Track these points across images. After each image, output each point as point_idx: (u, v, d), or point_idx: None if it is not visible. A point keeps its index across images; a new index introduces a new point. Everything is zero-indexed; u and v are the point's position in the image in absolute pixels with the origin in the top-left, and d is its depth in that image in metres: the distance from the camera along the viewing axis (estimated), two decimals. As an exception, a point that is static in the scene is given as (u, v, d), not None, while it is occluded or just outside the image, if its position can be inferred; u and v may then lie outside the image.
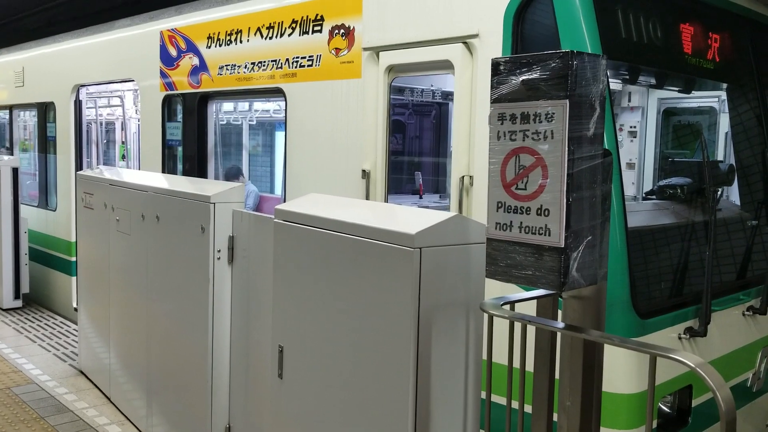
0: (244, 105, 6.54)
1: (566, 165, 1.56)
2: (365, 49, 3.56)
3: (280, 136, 8.06)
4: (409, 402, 1.97)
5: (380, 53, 3.50)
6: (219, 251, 3.18)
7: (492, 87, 1.72)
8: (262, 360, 2.97)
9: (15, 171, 6.46)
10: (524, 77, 1.61)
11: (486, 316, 1.91)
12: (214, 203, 3.16)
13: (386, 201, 3.53)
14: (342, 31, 3.73)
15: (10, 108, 7.85)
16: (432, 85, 4.76)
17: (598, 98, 1.64)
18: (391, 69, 3.46)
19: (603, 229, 1.70)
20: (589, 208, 1.63)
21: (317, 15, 3.86)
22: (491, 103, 1.72)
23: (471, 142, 3.08)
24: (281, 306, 2.58)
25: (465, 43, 3.09)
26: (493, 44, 2.96)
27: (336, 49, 3.76)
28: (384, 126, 3.51)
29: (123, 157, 8.31)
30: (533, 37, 2.94)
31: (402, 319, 1.97)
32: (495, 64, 1.71)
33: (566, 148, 1.56)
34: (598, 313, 1.84)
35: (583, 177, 1.60)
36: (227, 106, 6.41)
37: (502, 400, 2.01)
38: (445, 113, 5.37)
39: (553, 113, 1.58)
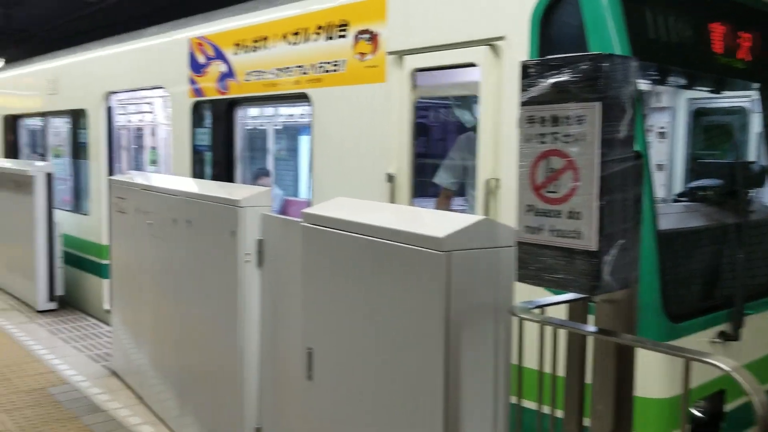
0: (269, 110, 6.60)
1: (598, 168, 1.55)
2: (390, 53, 3.58)
3: (304, 140, 8.13)
4: (438, 406, 1.98)
5: (405, 57, 3.52)
6: (248, 254, 3.22)
7: (521, 89, 1.72)
8: (291, 362, 3.00)
9: (49, 176, 6.60)
10: (554, 80, 1.62)
11: (516, 319, 1.91)
12: (243, 207, 3.20)
13: (411, 204, 3.54)
14: (367, 36, 3.75)
15: (44, 115, 8.02)
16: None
17: (629, 100, 1.64)
18: (416, 72, 3.48)
19: (635, 232, 1.69)
20: (621, 211, 1.62)
21: (342, 21, 3.89)
22: (521, 105, 1.72)
23: (497, 145, 3.08)
24: (310, 308, 2.61)
25: (491, 45, 3.09)
26: (519, 46, 2.96)
27: (361, 53, 3.79)
28: (408, 129, 3.53)
29: (153, 162, 8.44)
30: (560, 38, 2.93)
31: (431, 322, 1.98)
32: (524, 67, 1.71)
33: (598, 151, 1.55)
34: (630, 317, 1.83)
35: (614, 180, 1.59)
36: (253, 111, 6.46)
37: (532, 405, 2.01)
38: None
39: (584, 116, 1.58)
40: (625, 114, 1.64)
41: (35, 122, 8.86)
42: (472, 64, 3.19)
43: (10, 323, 6.15)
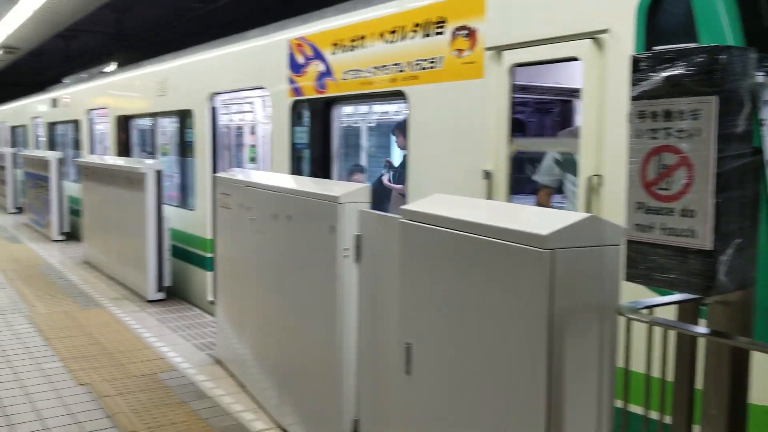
0: (363, 108, 6.69)
1: (714, 164, 1.49)
2: (488, 48, 3.56)
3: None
4: (541, 406, 1.95)
5: (503, 52, 3.49)
6: (346, 249, 3.29)
7: (632, 84, 1.67)
8: (389, 356, 3.05)
9: (158, 173, 6.97)
10: (667, 73, 1.56)
11: (623, 320, 1.86)
12: (342, 203, 3.27)
13: (509, 201, 3.51)
14: (465, 32, 3.74)
15: (154, 116, 8.48)
16: (557, 82, 4.66)
17: (748, 93, 1.56)
18: (515, 67, 3.44)
19: (753, 230, 1.62)
20: (738, 209, 1.55)
21: (440, 18, 3.90)
22: (631, 100, 1.67)
23: (600, 141, 3.00)
24: (408, 304, 2.64)
25: (594, 38, 3.01)
26: (624, 39, 2.87)
27: (458, 50, 3.78)
28: (506, 125, 3.50)
29: (251, 159, 8.75)
30: (668, 30, 2.82)
31: (533, 321, 1.96)
32: (635, 60, 1.66)
33: (714, 147, 1.49)
34: (745, 320, 1.74)
35: (731, 176, 1.52)
36: (348, 109, 6.59)
37: (638, 410, 1.95)
38: (569, 111, 5.25)
39: (699, 110, 1.52)
40: (743, 108, 1.57)
41: (144, 122, 9.38)
42: (573, 59, 3.13)
43: (123, 312, 6.55)
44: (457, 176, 3.80)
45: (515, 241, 1.99)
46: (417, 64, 4.03)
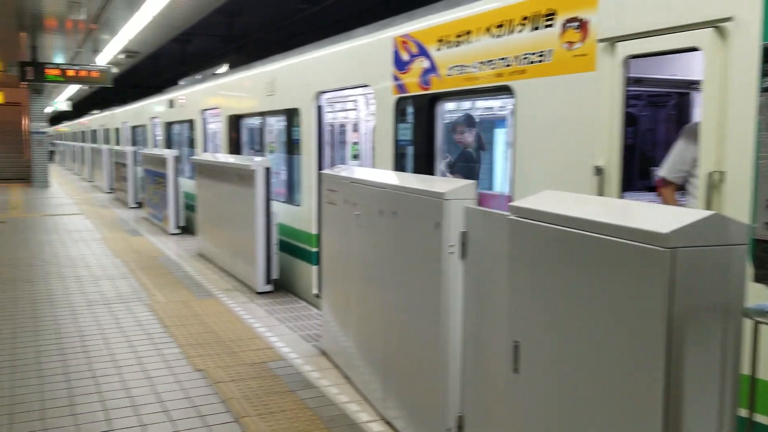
0: (465, 104, 6.65)
1: None
2: (600, 40, 3.45)
3: (500, 133, 8.09)
4: (657, 412, 1.88)
5: (616, 44, 3.37)
6: (452, 246, 3.29)
7: (762, 75, 1.58)
8: (495, 353, 3.03)
9: (267, 171, 7.23)
10: (806, 63, 1.46)
11: (749, 323, 1.76)
12: (449, 200, 3.28)
13: (621, 198, 3.39)
14: (575, 24, 3.65)
15: (263, 115, 8.80)
16: (675, 75, 4.46)
17: None
18: (629, 59, 3.32)
19: None
20: None
21: (549, 10, 3.81)
22: (761, 92, 1.58)
23: (722, 135, 2.84)
24: (517, 302, 2.61)
25: (716, 27, 2.86)
26: (750, 27, 2.70)
27: (569, 42, 3.69)
28: (619, 120, 3.38)
29: (354, 156, 8.91)
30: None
31: (651, 322, 1.89)
32: (766, 50, 1.56)
33: None
34: None
35: None
36: (450, 105, 6.58)
37: (764, 420, 1.85)
38: (685, 104, 5.00)
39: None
40: None
41: (253, 121, 9.76)
42: (693, 49, 2.98)
43: (234, 302, 6.86)
44: (565, 172, 3.71)
45: (634, 240, 1.93)
46: (525, 58, 3.97)
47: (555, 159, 3.80)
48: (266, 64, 8.66)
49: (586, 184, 3.49)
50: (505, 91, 4.23)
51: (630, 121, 5.23)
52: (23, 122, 24.04)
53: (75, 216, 14.11)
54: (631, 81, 3.62)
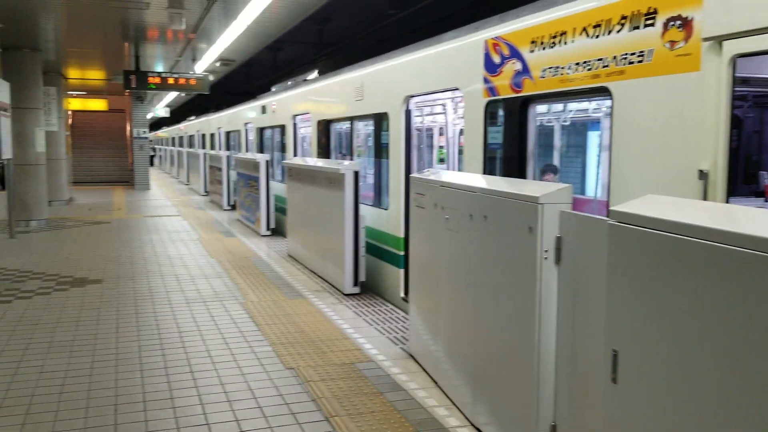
0: (557, 106, 6.52)
1: None
2: (705, 39, 3.30)
3: (593, 136, 7.87)
4: (773, 426, 1.78)
5: (723, 42, 3.21)
6: (546, 251, 3.23)
7: None
8: (591, 362, 2.95)
9: (356, 174, 7.33)
10: None
11: None
12: (542, 204, 3.22)
13: (727, 203, 3.22)
14: (678, 22, 3.50)
15: (351, 119, 8.94)
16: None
17: None
18: (736, 58, 3.15)
19: None
20: None
21: (650, 8, 3.68)
22: None
23: None
24: (616, 309, 2.53)
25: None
26: None
27: (671, 41, 3.55)
28: (725, 121, 3.22)
29: (441, 160, 8.90)
30: None
31: (766, 332, 1.79)
32: None
33: None
34: None
35: None
36: (541, 108, 6.47)
37: None
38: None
39: None
40: None
41: (342, 126, 9.92)
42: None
43: (323, 303, 6.98)
44: (667, 176, 3.57)
45: (746, 247, 1.83)
46: (623, 59, 3.85)
47: (655, 162, 3.66)
48: (355, 69, 8.79)
49: (689, 188, 3.34)
50: (601, 92, 4.11)
51: (735, 123, 4.97)
52: (126, 128, 25.46)
53: (173, 217, 14.79)
54: (737, 81, 3.44)
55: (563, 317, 3.21)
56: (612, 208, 2.56)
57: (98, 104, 24.97)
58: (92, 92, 24.02)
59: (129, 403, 4.28)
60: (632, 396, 2.43)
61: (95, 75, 18.67)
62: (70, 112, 21.80)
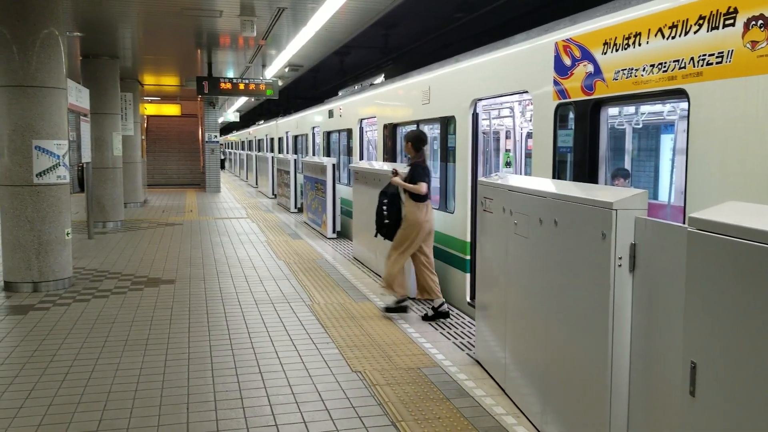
0: (629, 108, 6.34)
1: None
2: (791, 38, 3.14)
3: (666, 138, 7.62)
4: None
5: (812, 41, 3.05)
6: (620, 258, 3.14)
7: None
8: (666, 373, 2.85)
9: (422, 178, 7.31)
10: None
11: None
12: (617, 210, 3.13)
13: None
14: (760, 22, 3.35)
15: (417, 123, 8.94)
16: None
17: None
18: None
19: None
20: None
21: (729, 8, 3.53)
22: None
23: None
24: (695, 319, 2.44)
25: None
26: None
27: (752, 42, 3.40)
28: (814, 124, 3.06)
29: (507, 164, 8.79)
30: None
31: None
32: None
33: None
34: None
35: None
36: (613, 110, 6.31)
37: None
38: None
39: None
40: None
41: (407, 129, 9.94)
42: None
43: (388, 307, 7.00)
44: (748, 181, 3.42)
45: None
46: (701, 60, 3.71)
47: (735, 167, 3.51)
48: (421, 73, 8.79)
49: (773, 194, 3.19)
50: (677, 94, 3.98)
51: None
52: (198, 132, 26.27)
53: (242, 219, 15.15)
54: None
55: (638, 326, 3.12)
56: (691, 215, 2.46)
57: (172, 109, 25.87)
58: (166, 98, 24.90)
59: (200, 402, 4.40)
60: (711, 410, 2.33)
61: (169, 81, 19.34)
62: (145, 117, 22.65)
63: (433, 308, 6.54)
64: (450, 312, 6.71)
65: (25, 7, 7.47)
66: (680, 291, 2.60)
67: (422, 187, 6.35)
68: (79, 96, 10.53)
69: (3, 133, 7.54)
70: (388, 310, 6.66)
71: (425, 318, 6.48)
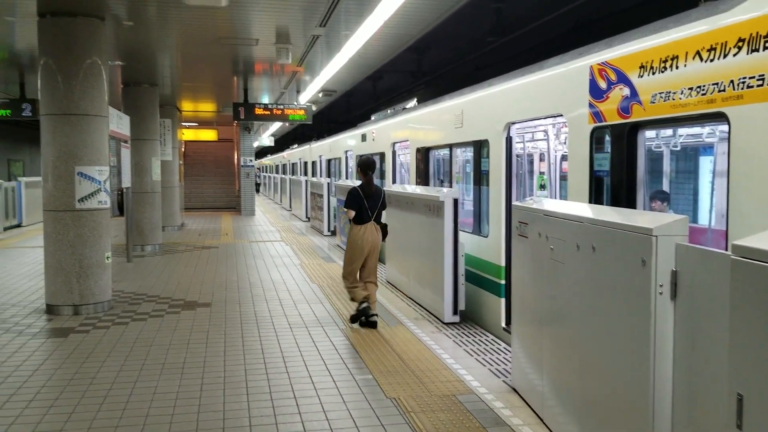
0: (666, 131, 6.26)
1: None
2: (836, 59, 3.08)
3: (705, 161, 7.48)
4: None
5: None
6: (661, 286, 3.08)
7: None
8: (711, 405, 2.77)
9: (455, 201, 7.31)
10: None
11: None
12: (657, 236, 3.07)
13: None
14: (803, 42, 3.29)
15: (450, 147, 8.95)
16: None
17: None
18: None
19: None
20: None
21: (770, 29, 3.48)
22: None
23: None
24: (740, 350, 2.37)
25: None
26: None
27: (795, 63, 3.33)
28: None
29: (541, 186, 8.72)
30: None
31: None
32: None
33: None
34: None
35: None
36: (650, 133, 6.24)
37: None
38: None
39: None
40: None
41: (440, 152, 9.95)
42: None
43: (422, 332, 6.96)
44: (793, 207, 3.33)
45: None
46: (741, 83, 3.65)
47: (780, 191, 3.43)
48: (454, 97, 8.81)
49: (820, 220, 3.11)
50: (717, 118, 3.91)
51: None
52: (234, 157, 26.67)
53: (276, 242, 15.27)
54: None
55: (680, 356, 3.04)
56: (734, 242, 2.41)
57: (209, 134, 26.35)
58: (203, 123, 25.39)
59: (236, 427, 4.41)
60: (761, 445, 2.25)
61: (206, 107, 19.73)
62: (183, 142, 23.10)
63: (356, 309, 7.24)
64: (376, 319, 7.14)
65: (70, 38, 7.72)
66: (724, 320, 2.54)
67: (350, 213, 7.28)
68: (120, 123, 10.80)
69: (48, 159, 7.77)
70: (351, 320, 7.22)
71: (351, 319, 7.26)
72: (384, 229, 7.43)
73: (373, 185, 7.39)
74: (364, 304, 7.10)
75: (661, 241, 3.06)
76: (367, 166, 7.38)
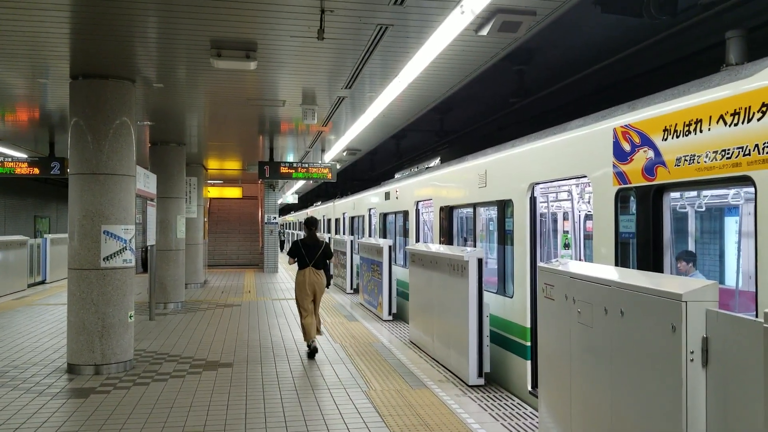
0: (690, 193, 6.22)
1: None
2: None
3: (730, 221, 7.39)
4: None
5: None
6: (692, 353, 3.01)
7: None
8: (750, 481, 2.66)
9: (479, 261, 7.27)
10: None
11: None
12: (686, 302, 3.03)
13: None
14: (829, 106, 3.29)
15: (474, 206, 8.97)
16: None
17: None
18: None
19: None
20: None
21: (794, 93, 3.49)
22: None
23: None
24: (779, 424, 2.29)
25: None
26: None
27: (821, 127, 3.32)
28: None
29: (565, 246, 8.66)
30: None
31: None
32: None
33: None
34: None
35: None
36: (674, 194, 6.21)
37: None
38: None
39: None
40: None
41: (463, 212, 9.97)
42: None
43: (447, 395, 6.83)
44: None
45: None
46: (766, 147, 3.64)
47: (812, 256, 3.37)
48: (477, 157, 8.88)
49: None
50: (743, 181, 3.89)
51: None
52: (258, 214, 26.95)
53: (298, 300, 15.23)
54: None
55: (713, 425, 2.95)
56: (766, 310, 2.36)
57: (233, 192, 26.73)
58: (228, 181, 25.78)
59: (257, 492, 4.32)
60: None
61: (232, 165, 20.07)
62: (208, 199, 23.43)
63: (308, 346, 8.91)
64: (316, 346, 8.74)
65: (101, 99, 7.96)
66: (758, 388, 2.46)
67: (291, 260, 9.24)
68: (146, 181, 11.01)
69: (74, 218, 7.91)
70: (308, 356, 8.82)
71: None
72: (327, 273, 9.25)
73: (315, 238, 9.21)
74: (313, 345, 8.82)
75: (691, 307, 3.01)
76: (311, 223, 9.44)
